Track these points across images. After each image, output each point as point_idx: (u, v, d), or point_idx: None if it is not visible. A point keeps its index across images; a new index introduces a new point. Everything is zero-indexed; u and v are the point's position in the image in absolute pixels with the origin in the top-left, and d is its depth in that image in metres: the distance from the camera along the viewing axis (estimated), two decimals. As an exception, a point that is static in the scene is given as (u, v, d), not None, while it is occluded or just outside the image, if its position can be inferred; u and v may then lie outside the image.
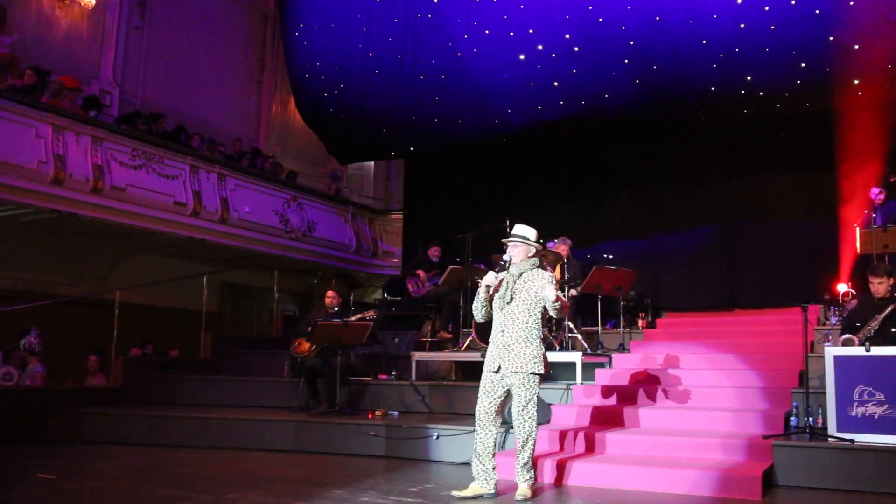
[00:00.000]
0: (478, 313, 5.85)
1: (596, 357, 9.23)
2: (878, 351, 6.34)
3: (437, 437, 7.45)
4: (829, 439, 6.25)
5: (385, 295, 13.74)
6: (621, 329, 10.23)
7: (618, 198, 13.08)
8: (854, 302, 8.64)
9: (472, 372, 9.41)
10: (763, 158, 12.11)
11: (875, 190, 9.91)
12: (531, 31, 11.52)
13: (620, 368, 8.94)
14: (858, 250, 9.41)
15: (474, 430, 5.70)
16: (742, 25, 10.29)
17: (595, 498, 5.65)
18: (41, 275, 11.37)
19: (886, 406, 6.17)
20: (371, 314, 9.39)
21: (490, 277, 5.70)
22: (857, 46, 9.93)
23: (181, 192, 11.57)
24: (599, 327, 9.98)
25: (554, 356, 8.97)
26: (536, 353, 5.62)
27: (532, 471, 5.68)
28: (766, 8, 10.16)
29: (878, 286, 7.07)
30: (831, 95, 10.65)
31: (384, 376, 9.87)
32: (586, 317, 10.75)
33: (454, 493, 5.61)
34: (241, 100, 15.31)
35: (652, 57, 10.90)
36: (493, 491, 5.59)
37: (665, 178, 12.71)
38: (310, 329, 9.02)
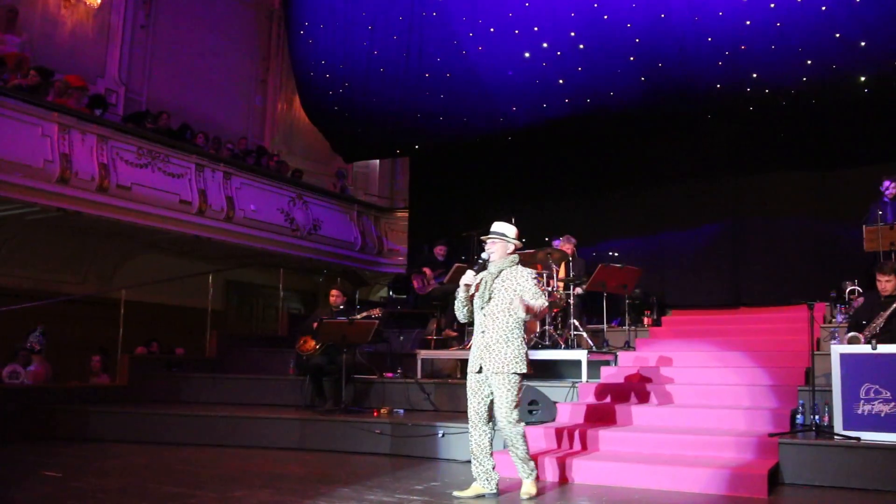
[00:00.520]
0: (460, 314, 5.76)
1: (601, 355, 9.22)
2: (884, 349, 6.32)
3: (443, 435, 7.44)
4: (836, 437, 6.23)
5: (390, 293, 13.75)
6: (627, 327, 10.22)
7: (623, 195, 13.07)
8: (860, 300, 8.61)
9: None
10: (769, 156, 12.08)
11: (887, 182, 9.86)
12: (536, 28, 11.50)
13: (626, 366, 8.93)
14: (865, 248, 9.38)
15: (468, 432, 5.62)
16: (748, 23, 10.26)
17: (601, 496, 5.64)
18: (47, 273, 11.40)
19: (893, 404, 6.15)
20: (376, 312, 9.40)
21: (468, 276, 5.59)
22: (863, 43, 9.89)
23: (187, 191, 11.58)
24: (605, 325, 9.99)
25: (559, 354, 9.01)
26: (518, 353, 5.48)
27: (532, 461, 5.62)
28: (772, 5, 10.13)
29: (885, 284, 7.05)
30: (837, 92, 10.61)
31: (390, 374, 9.88)
32: (591, 315, 10.75)
33: (456, 493, 5.58)
34: (247, 98, 15.31)
35: (657, 55, 10.88)
36: (494, 490, 5.55)
37: (670, 175, 12.70)
38: (315, 327, 9.03)
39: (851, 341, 6.69)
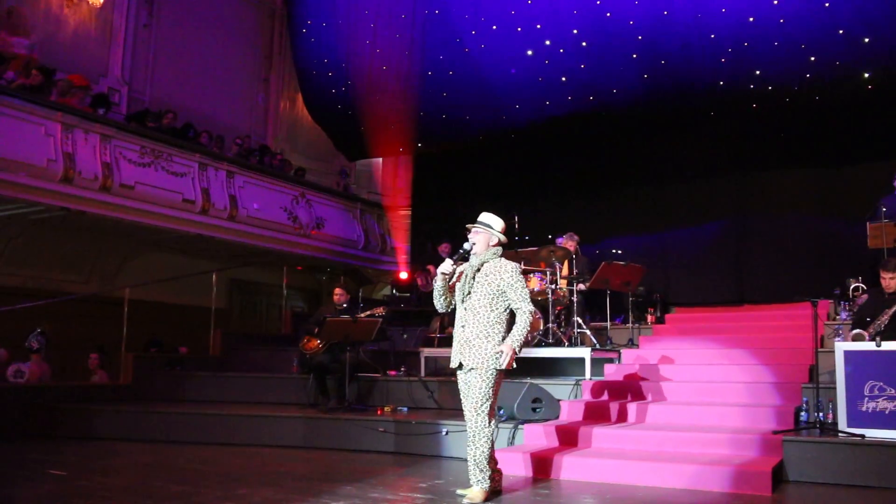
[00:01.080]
0: (437, 303, 5.55)
1: (605, 352, 9.22)
2: (888, 346, 6.31)
3: (447, 433, 7.45)
4: (840, 434, 6.22)
5: (393, 291, 13.75)
6: (630, 324, 10.22)
7: (626, 193, 13.06)
8: (864, 297, 8.60)
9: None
10: (772, 153, 12.07)
11: None
12: (539, 26, 11.50)
13: (629, 364, 8.93)
14: (869, 245, 9.36)
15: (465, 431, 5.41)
16: (751, 19, 10.25)
17: (604, 493, 5.64)
18: (51, 272, 11.41)
19: (897, 401, 6.15)
20: (380, 310, 9.41)
21: (446, 265, 5.37)
22: (867, 39, 9.87)
23: (190, 190, 11.58)
24: (608, 323, 9.98)
25: (563, 352, 9.01)
26: (497, 348, 5.28)
27: (486, 472, 5.26)
28: (775, 1, 10.13)
29: (889, 281, 7.04)
30: (841, 89, 10.59)
31: (393, 372, 9.89)
32: (595, 312, 10.75)
33: (459, 491, 5.46)
34: (249, 97, 15.30)
35: (660, 52, 10.87)
36: (496, 488, 5.40)
37: (674, 173, 12.69)
38: (318, 326, 9.04)
39: (856, 338, 6.69)
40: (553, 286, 9.52)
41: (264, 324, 14.95)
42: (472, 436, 5.26)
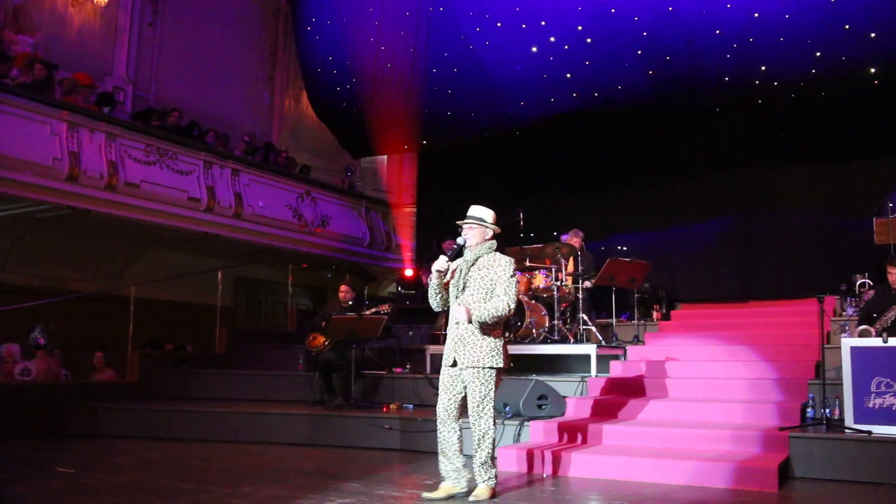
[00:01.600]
0: (433, 302, 5.45)
1: (611, 349, 9.21)
2: (895, 342, 6.29)
3: (452, 430, 7.44)
4: (846, 431, 6.21)
5: (399, 288, 13.75)
6: (636, 321, 10.21)
7: (632, 189, 13.04)
8: (871, 292, 8.58)
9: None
10: (778, 148, 12.03)
11: None
12: (543, 23, 11.47)
13: (635, 360, 8.92)
14: (875, 241, 9.34)
15: (426, 431, 5.39)
16: (756, 15, 10.21)
17: (611, 490, 5.63)
18: (57, 271, 11.44)
19: (904, 397, 6.13)
20: (385, 308, 9.41)
21: (441, 262, 5.28)
22: (873, 34, 9.83)
23: (195, 188, 11.59)
24: (614, 319, 9.97)
25: (568, 348, 9.01)
26: (494, 346, 5.21)
27: (493, 469, 5.27)
28: (780, -3, 10.09)
29: (896, 276, 7.03)
30: (847, 84, 10.55)
31: (399, 369, 9.89)
32: (601, 309, 10.75)
33: (425, 494, 5.30)
34: (254, 95, 15.32)
35: (665, 48, 10.84)
36: (465, 489, 5.29)
37: (679, 169, 12.66)
38: (324, 323, 9.04)
39: (862, 334, 6.68)
40: (558, 283, 9.52)
41: (270, 321, 14.97)
42: (478, 439, 5.21)
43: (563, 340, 9.27)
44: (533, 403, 7.42)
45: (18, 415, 8.90)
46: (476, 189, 13.83)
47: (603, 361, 8.86)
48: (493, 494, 5.24)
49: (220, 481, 6.01)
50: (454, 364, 5.26)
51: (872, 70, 10.20)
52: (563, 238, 10.50)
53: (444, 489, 5.30)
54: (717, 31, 10.48)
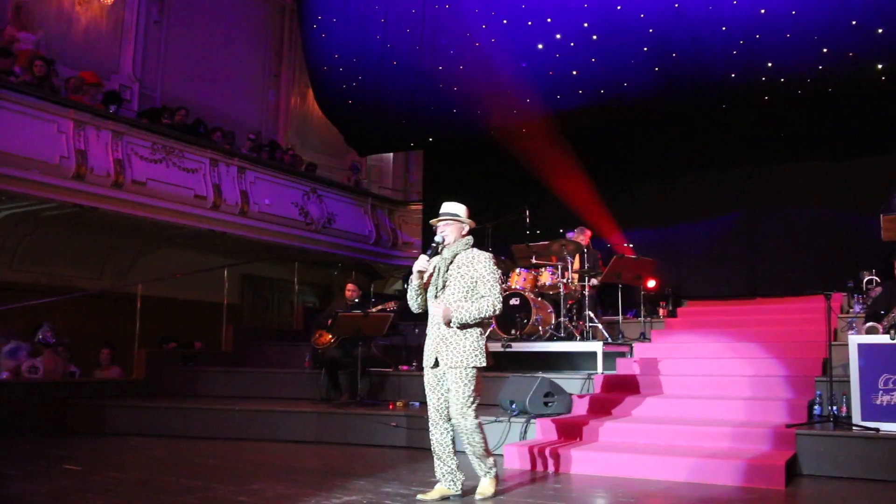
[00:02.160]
0: (413, 303, 5.32)
1: (617, 346, 9.21)
2: (903, 339, 6.28)
3: (459, 428, 7.44)
4: (854, 428, 6.20)
5: (405, 286, 13.73)
6: (642, 318, 10.19)
7: (638, 187, 13.02)
8: (878, 289, 8.55)
9: (493, 362, 9.41)
10: (784, 145, 12.01)
11: None
12: (549, 20, 11.45)
13: (641, 358, 8.91)
14: (882, 237, 9.30)
15: (428, 430, 5.25)
16: (762, 11, 10.17)
17: (617, 487, 5.63)
18: (64, 269, 11.46)
19: (912, 394, 6.12)
20: (391, 305, 9.41)
21: (422, 262, 5.17)
22: (880, 30, 9.79)
23: (201, 186, 11.61)
24: (620, 317, 9.97)
25: (575, 346, 9.01)
26: (476, 345, 5.09)
27: (491, 458, 5.21)
28: (787, -8, 10.05)
29: (903, 273, 7.00)
30: (854, 80, 10.52)
31: (405, 367, 9.89)
32: (607, 306, 10.73)
33: (420, 496, 5.19)
34: (260, 92, 15.33)
35: (671, 45, 10.81)
36: (459, 491, 5.20)
37: (685, 166, 12.64)
38: (330, 321, 9.05)
39: (870, 331, 6.65)
40: (565, 280, 9.51)
41: (276, 319, 14.99)
42: (467, 439, 5.11)
43: (570, 338, 9.27)
44: (539, 401, 7.41)
45: (26, 412, 8.93)
46: (482, 186, 13.85)
47: (609, 359, 8.86)
48: (498, 483, 5.21)
49: (227, 479, 6.02)
50: (436, 364, 5.15)
51: (880, 66, 10.16)
52: (569, 235, 10.49)
53: (439, 490, 5.22)
54: (724, 28, 10.44)
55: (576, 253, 9.92)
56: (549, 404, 7.47)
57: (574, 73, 11.55)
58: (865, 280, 9.86)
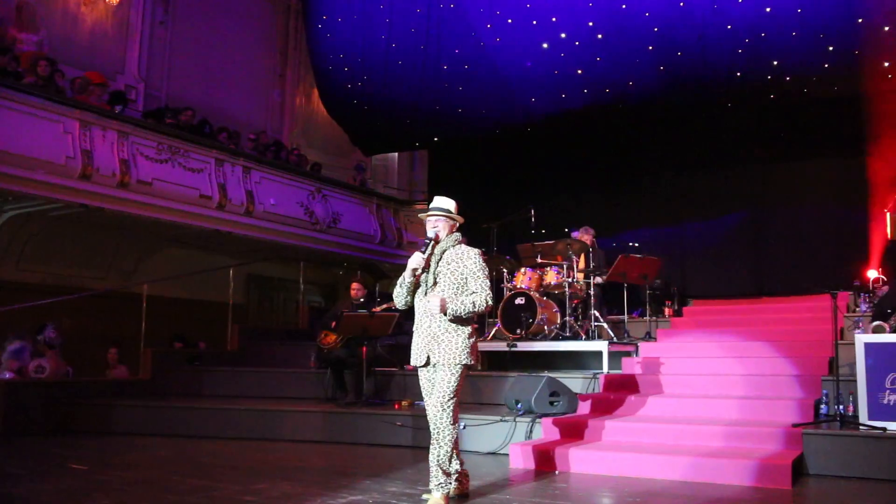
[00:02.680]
0: (399, 300, 5.26)
1: (622, 346, 9.19)
2: (909, 338, 6.26)
3: (464, 427, 7.43)
4: (861, 427, 6.17)
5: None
6: (647, 318, 10.17)
7: (643, 185, 13.02)
8: (885, 288, 8.52)
9: (498, 362, 9.41)
10: (790, 144, 11.99)
11: None
12: (554, 19, 11.45)
13: (647, 357, 8.89)
14: (889, 235, 9.28)
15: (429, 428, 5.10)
16: (768, 9, 10.16)
17: (622, 486, 5.62)
18: (70, 269, 11.49)
19: (919, 393, 6.09)
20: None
21: (416, 259, 5.09)
22: (886, 28, 9.77)
23: (206, 186, 11.62)
24: (625, 316, 9.95)
25: (580, 345, 9.00)
26: (468, 343, 5.04)
27: (449, 476, 4.98)
28: (792, -10, 10.04)
29: (910, 272, 6.98)
30: (860, 79, 10.50)
31: (410, 367, 9.86)
32: (612, 305, 10.72)
33: (424, 496, 5.11)
34: (265, 92, 15.35)
35: (676, 43, 10.80)
36: (464, 492, 5.19)
37: (691, 165, 12.64)
38: (335, 321, 9.05)
39: (876, 330, 6.63)
40: (570, 279, 9.50)
41: (281, 319, 15.00)
42: (436, 434, 4.98)
43: (575, 337, 9.25)
44: (545, 400, 7.40)
45: (32, 412, 8.96)
46: (487, 186, 13.86)
47: (615, 358, 8.85)
48: (447, 503, 4.95)
49: (232, 478, 6.03)
50: (427, 362, 5.11)
51: (886, 64, 10.13)
52: (574, 234, 10.49)
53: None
54: (729, 27, 10.43)
55: (581, 252, 9.91)
56: (555, 404, 7.46)
57: (579, 72, 11.54)
58: (872, 279, 9.84)
